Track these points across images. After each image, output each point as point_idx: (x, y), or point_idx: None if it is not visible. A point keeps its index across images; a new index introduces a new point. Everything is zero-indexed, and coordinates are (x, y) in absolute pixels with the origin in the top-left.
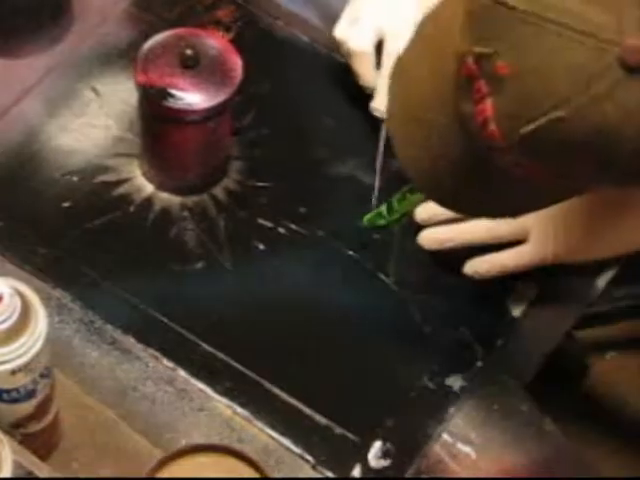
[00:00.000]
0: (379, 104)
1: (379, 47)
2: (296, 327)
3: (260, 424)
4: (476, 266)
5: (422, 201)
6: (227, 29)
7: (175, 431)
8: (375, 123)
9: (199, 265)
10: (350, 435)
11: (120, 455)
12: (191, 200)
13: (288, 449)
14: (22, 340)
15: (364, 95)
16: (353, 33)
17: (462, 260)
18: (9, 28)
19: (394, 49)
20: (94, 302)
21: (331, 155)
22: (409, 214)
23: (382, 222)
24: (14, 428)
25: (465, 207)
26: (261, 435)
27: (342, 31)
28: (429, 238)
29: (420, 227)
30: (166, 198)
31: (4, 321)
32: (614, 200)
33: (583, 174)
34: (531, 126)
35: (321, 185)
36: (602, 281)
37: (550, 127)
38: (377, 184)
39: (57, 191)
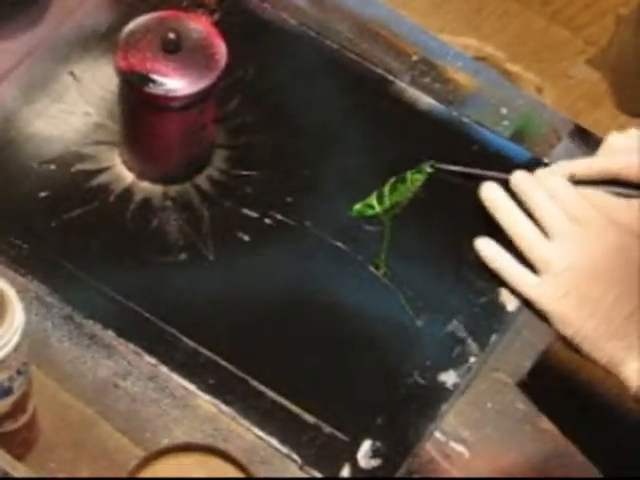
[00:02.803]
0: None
1: None
2: (283, 322)
3: (246, 423)
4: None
5: (412, 191)
6: (211, 12)
7: (157, 429)
8: (365, 108)
9: (182, 257)
10: (339, 434)
11: (100, 454)
12: (173, 190)
13: (275, 449)
14: None
15: (353, 80)
16: None
17: (456, 253)
18: None
19: None
20: (73, 296)
21: (319, 143)
22: (399, 204)
23: (372, 212)
24: None
25: None
26: (247, 434)
27: None
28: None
29: (410, 217)
30: (147, 187)
31: None
32: None
33: None
34: None
35: (308, 174)
36: None
37: None
38: None
39: (34, 180)
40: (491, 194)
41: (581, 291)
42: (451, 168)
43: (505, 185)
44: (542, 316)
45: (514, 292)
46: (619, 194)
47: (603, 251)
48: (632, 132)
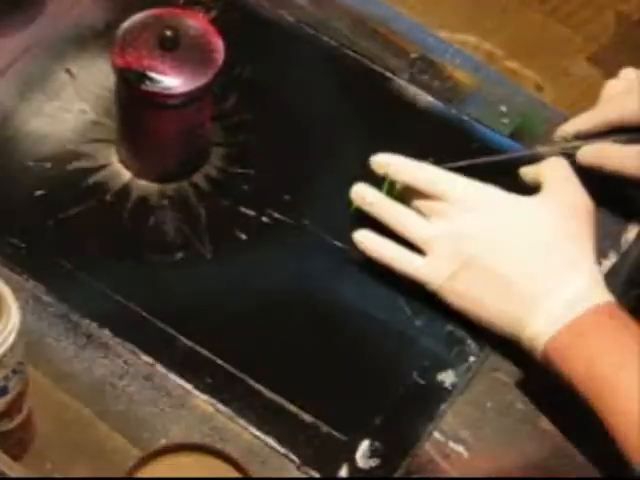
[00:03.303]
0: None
1: None
2: (280, 321)
3: (243, 422)
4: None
5: (410, 190)
6: (208, 9)
7: (154, 429)
8: (364, 106)
9: (179, 256)
10: (337, 434)
11: (96, 454)
12: (170, 188)
13: (272, 448)
14: None
15: (352, 78)
16: None
17: None
18: None
19: None
20: (69, 295)
21: (317, 141)
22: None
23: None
24: None
25: None
26: (244, 434)
27: None
28: (588, 154)
29: None
30: (144, 186)
31: None
32: None
33: None
34: None
35: (306, 172)
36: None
37: None
38: None
39: (30, 178)
40: (361, 194)
41: (466, 263)
42: (455, 165)
43: (510, 167)
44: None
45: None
46: (628, 141)
47: (484, 221)
48: (628, 72)
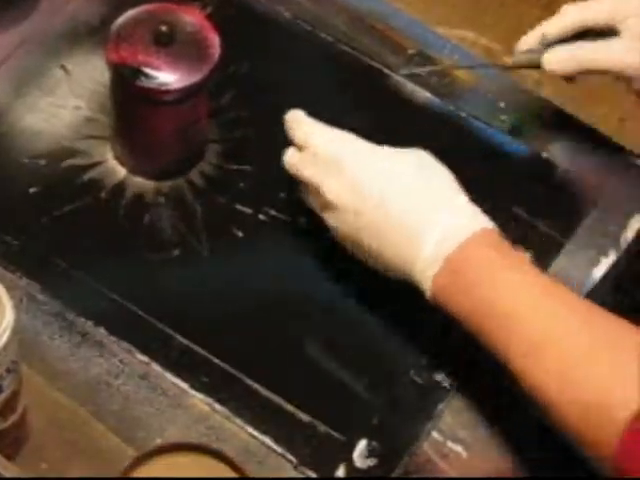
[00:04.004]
0: None
1: None
2: (277, 319)
3: (240, 422)
4: (555, 56)
5: None
6: (204, 4)
7: (150, 429)
8: (361, 103)
9: (175, 253)
10: (334, 433)
11: (91, 454)
12: (166, 185)
13: (269, 448)
14: None
15: (349, 74)
16: None
17: None
18: None
19: None
20: (64, 293)
21: None
22: None
23: None
24: None
25: None
26: (241, 433)
27: None
28: (561, 53)
29: None
30: (140, 183)
31: None
32: None
33: None
34: None
35: None
36: (599, 271)
37: None
38: None
39: (24, 176)
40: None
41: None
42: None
43: None
44: None
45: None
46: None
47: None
48: None
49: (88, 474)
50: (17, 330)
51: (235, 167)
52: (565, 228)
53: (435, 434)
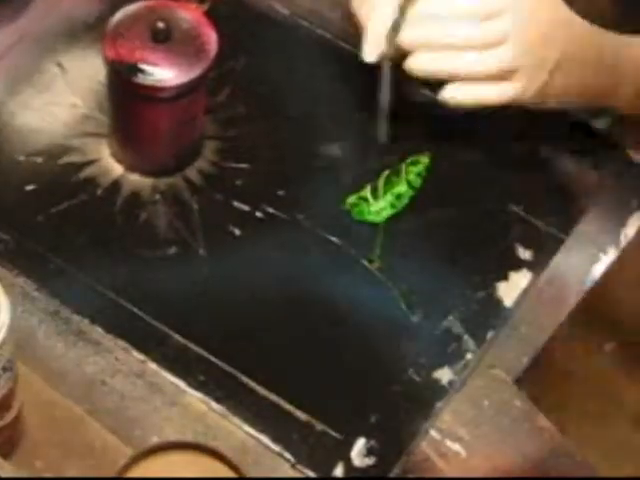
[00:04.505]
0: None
1: None
2: (274, 317)
3: (236, 420)
4: (454, 91)
5: (404, 185)
6: (201, 1)
7: (146, 427)
8: (358, 99)
9: (171, 251)
10: (332, 432)
11: (87, 453)
12: (163, 182)
13: (266, 447)
14: None
15: (346, 71)
16: None
17: (451, 245)
18: None
19: None
20: (60, 291)
21: (311, 134)
22: (395, 208)
23: (366, 212)
24: None
25: None
26: (237, 432)
27: None
28: (423, 58)
29: (405, 210)
30: (136, 180)
31: None
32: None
33: None
34: None
35: (301, 166)
36: (599, 268)
37: None
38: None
39: (20, 173)
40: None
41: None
42: None
43: None
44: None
45: (512, 284)
46: None
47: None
48: None
49: (84, 473)
50: (13, 328)
51: (232, 164)
52: (565, 226)
53: (433, 433)
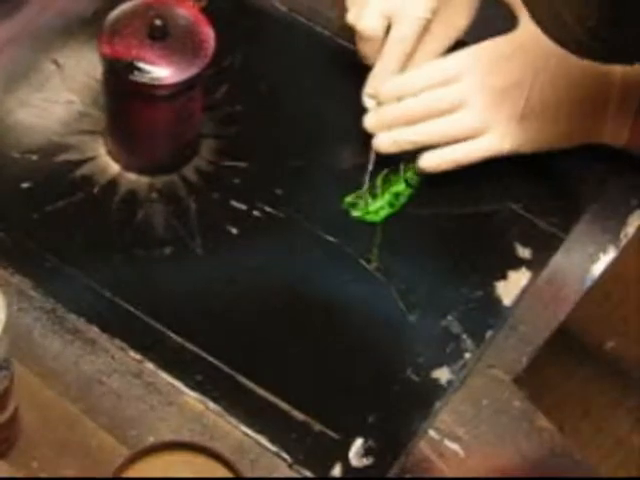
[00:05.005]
0: (370, 88)
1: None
2: (271, 317)
3: (233, 420)
4: (428, 159)
5: (402, 184)
6: None
7: (143, 427)
8: (357, 97)
9: (168, 250)
10: (330, 432)
11: (84, 453)
12: (160, 181)
13: (263, 447)
14: None
15: (345, 68)
16: (363, 15)
17: (450, 244)
18: None
19: (399, 34)
20: (56, 289)
21: (310, 133)
22: (393, 207)
23: (364, 212)
24: None
25: None
26: (234, 432)
27: (353, 14)
28: (384, 139)
29: (403, 209)
30: (133, 179)
31: None
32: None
33: None
34: None
35: (299, 165)
36: (598, 267)
37: None
38: (370, 168)
39: (16, 171)
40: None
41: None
42: None
43: None
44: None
45: (511, 283)
46: None
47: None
48: None
49: (80, 473)
50: (9, 327)
51: (230, 163)
52: (564, 224)
53: (432, 432)
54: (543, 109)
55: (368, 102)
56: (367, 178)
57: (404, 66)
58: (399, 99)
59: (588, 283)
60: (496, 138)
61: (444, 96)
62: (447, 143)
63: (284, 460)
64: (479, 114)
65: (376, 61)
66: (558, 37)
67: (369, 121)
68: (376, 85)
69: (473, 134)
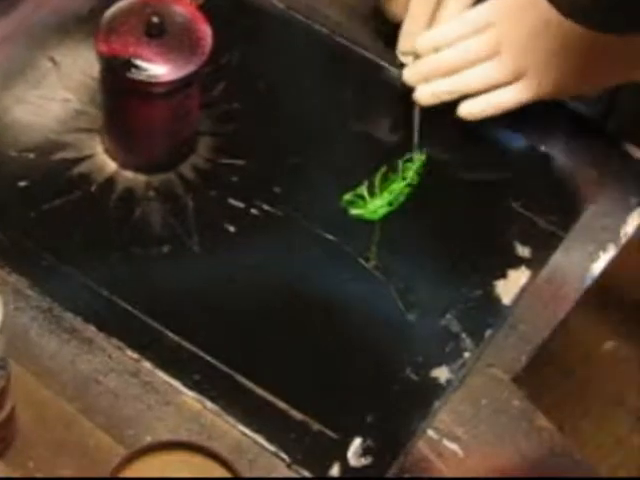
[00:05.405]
0: (404, 45)
1: None
2: (269, 316)
3: (231, 420)
4: (470, 106)
5: (401, 182)
6: None
7: (140, 427)
8: (355, 95)
9: (165, 249)
10: (328, 431)
11: (80, 452)
12: (157, 179)
13: (262, 446)
14: None
15: (342, 66)
16: None
17: (450, 245)
18: None
19: None
20: (53, 288)
21: (308, 131)
22: (392, 205)
23: (363, 210)
24: None
25: None
26: (232, 431)
27: None
28: (424, 92)
29: (402, 207)
30: (130, 177)
31: None
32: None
33: None
34: None
35: (297, 163)
36: (598, 266)
37: None
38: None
39: (12, 169)
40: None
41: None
42: None
43: None
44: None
45: (510, 282)
46: None
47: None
48: None
49: (77, 473)
50: (5, 326)
51: (227, 160)
52: (564, 223)
53: (431, 432)
54: (575, 49)
55: (404, 59)
56: (416, 135)
57: (431, 22)
58: (435, 51)
59: (588, 282)
60: (533, 82)
61: (479, 44)
62: (485, 91)
63: (282, 460)
64: (514, 59)
65: (404, 18)
66: None
67: (408, 74)
68: (409, 41)
69: (510, 79)
